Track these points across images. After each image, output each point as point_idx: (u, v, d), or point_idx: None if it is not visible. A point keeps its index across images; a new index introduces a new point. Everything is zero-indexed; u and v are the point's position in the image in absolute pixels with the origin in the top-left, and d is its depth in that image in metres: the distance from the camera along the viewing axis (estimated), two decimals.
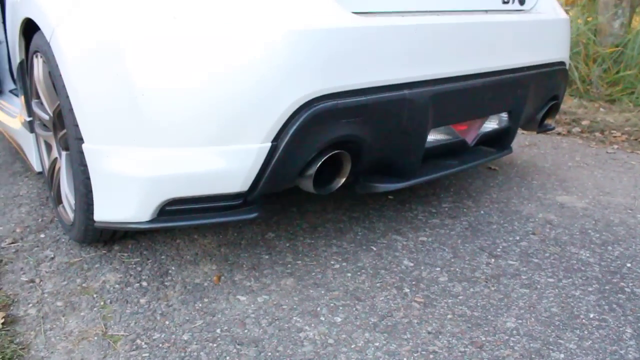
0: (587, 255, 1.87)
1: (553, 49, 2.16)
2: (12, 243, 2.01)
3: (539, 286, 1.68)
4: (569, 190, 2.47)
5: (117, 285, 1.71)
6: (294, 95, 1.42)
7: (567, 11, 5.88)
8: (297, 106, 1.43)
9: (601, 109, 4.18)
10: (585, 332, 1.47)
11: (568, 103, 4.36)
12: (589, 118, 3.85)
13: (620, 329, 1.48)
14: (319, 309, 1.57)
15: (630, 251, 1.90)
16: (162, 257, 1.87)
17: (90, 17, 1.49)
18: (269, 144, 1.45)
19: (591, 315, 1.54)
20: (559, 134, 3.56)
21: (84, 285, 1.71)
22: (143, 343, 1.45)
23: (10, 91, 3.35)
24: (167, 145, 1.45)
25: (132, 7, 1.43)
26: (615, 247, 1.93)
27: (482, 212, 2.21)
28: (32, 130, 2.28)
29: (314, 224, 2.10)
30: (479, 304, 1.59)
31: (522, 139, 3.32)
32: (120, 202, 1.56)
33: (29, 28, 1.94)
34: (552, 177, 2.66)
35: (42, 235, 2.06)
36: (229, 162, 1.46)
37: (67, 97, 1.61)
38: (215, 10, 1.40)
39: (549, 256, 1.86)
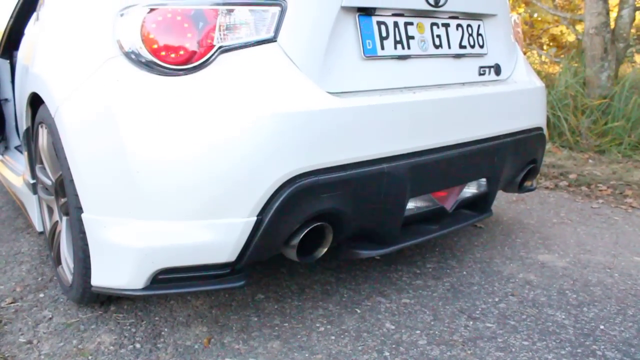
0: (563, 317, 1.95)
1: (529, 116, 2.28)
2: (12, 303, 2.10)
3: (513, 349, 1.76)
4: (551, 249, 2.57)
5: (111, 347, 1.79)
6: (277, 173, 1.53)
7: (556, 63, 6.07)
8: (280, 183, 1.54)
9: (590, 161, 4.30)
10: None
11: (557, 155, 4.48)
12: (576, 171, 3.97)
13: None
14: None
15: (604, 312, 1.98)
16: (156, 318, 1.96)
17: (90, 101, 1.62)
18: (255, 218, 1.56)
19: None
20: (546, 188, 3.67)
21: (79, 346, 1.80)
22: None
23: (16, 147, 3.49)
24: (159, 218, 1.56)
25: (128, 89, 1.56)
26: (590, 308, 2.01)
27: (464, 272, 2.30)
28: (35, 192, 2.40)
29: (303, 286, 2.19)
30: None
31: (510, 195, 3.42)
32: (116, 270, 1.66)
33: (36, 99, 2.08)
34: (535, 234, 2.76)
35: (42, 295, 2.16)
36: (217, 235, 1.57)
37: (69, 168, 1.74)
38: (205, 93, 1.53)
39: (526, 318, 1.94)
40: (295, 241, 1.65)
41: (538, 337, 1.83)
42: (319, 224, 1.66)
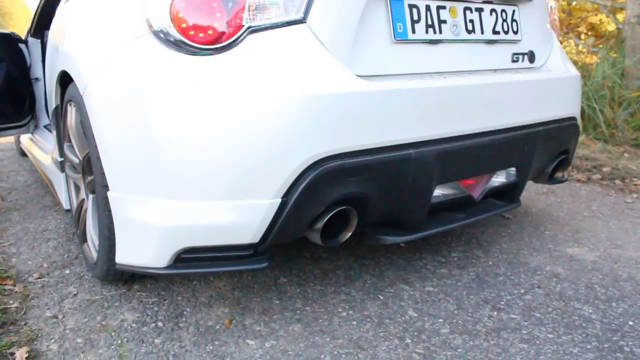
0: (590, 311, 1.94)
1: (563, 105, 2.25)
2: (39, 278, 2.16)
3: (538, 341, 1.75)
4: (581, 242, 2.54)
5: (134, 324, 1.84)
6: (303, 155, 1.54)
7: (593, 53, 5.95)
8: (306, 165, 1.55)
9: (625, 154, 4.22)
10: None
11: (591, 147, 4.41)
12: (610, 164, 3.90)
13: None
14: (322, 356, 1.67)
15: (634, 309, 1.96)
16: (179, 298, 2.00)
17: (118, 79, 1.65)
18: (279, 200, 1.57)
19: None
20: (578, 180, 3.62)
21: (103, 323, 1.85)
22: None
23: (45, 126, 3.57)
24: (185, 197, 1.59)
25: (156, 68, 1.58)
26: (619, 304, 1.99)
27: (490, 262, 2.30)
28: (62, 170, 2.46)
29: (326, 270, 2.21)
30: (477, 358, 1.67)
31: (540, 187, 3.39)
32: (140, 248, 1.70)
33: (65, 77, 2.12)
34: (565, 227, 2.73)
35: (67, 271, 2.22)
36: (242, 216, 1.59)
37: (96, 146, 1.77)
38: (233, 73, 1.54)
39: (552, 311, 1.93)
40: (320, 224, 1.67)
41: (564, 330, 1.82)
42: (343, 207, 1.67)
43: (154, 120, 1.56)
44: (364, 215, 1.76)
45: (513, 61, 2.12)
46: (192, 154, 1.54)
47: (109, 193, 1.74)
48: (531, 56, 2.18)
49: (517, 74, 2.08)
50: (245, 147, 1.53)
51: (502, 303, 1.98)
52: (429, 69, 1.83)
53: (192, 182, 1.57)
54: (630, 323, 1.87)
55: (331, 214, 1.65)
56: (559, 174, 2.43)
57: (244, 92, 1.52)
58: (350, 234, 1.76)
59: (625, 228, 2.75)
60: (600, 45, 5.75)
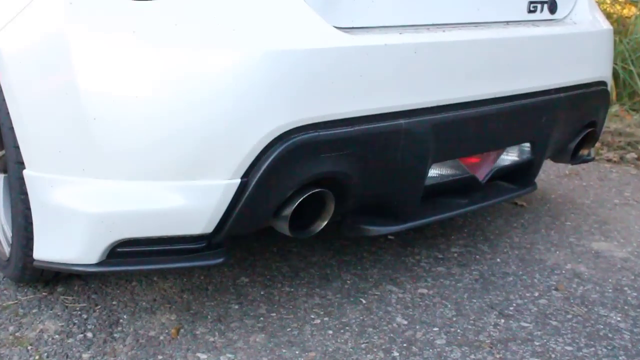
0: (618, 319, 2.01)
1: (590, 66, 2.30)
2: None
3: (553, 355, 1.81)
4: (609, 236, 2.61)
5: (57, 336, 1.85)
6: (268, 126, 1.56)
7: (633, 3, 6.03)
8: (271, 138, 1.57)
9: None
10: None
11: (626, 120, 4.49)
12: None
13: None
14: None
15: None
16: (114, 302, 2.02)
17: (37, 27, 1.65)
18: (238, 180, 1.59)
19: None
20: (608, 160, 3.71)
21: (17, 334, 1.86)
22: None
23: None
24: (120, 177, 1.60)
25: (84, 14, 1.58)
26: None
27: (498, 259, 2.36)
28: None
29: (296, 269, 2.25)
30: None
31: (562, 167, 3.46)
32: (65, 240, 1.71)
33: None
34: (590, 217, 2.80)
35: None
36: (192, 200, 1.61)
37: (8, 113, 1.77)
38: (178, 25, 1.55)
39: (571, 318, 2.00)
40: (288, 211, 1.69)
41: (585, 341, 1.88)
42: (318, 190, 1.70)
43: (81, 80, 1.56)
44: (342, 200, 1.79)
45: (530, 11, 2.15)
46: (129, 123, 1.55)
47: (24, 172, 1.74)
48: (552, 5, 2.22)
49: (534, 27, 2.11)
50: (195, 114, 1.54)
51: (512, 309, 2.04)
52: (426, 20, 1.85)
53: (130, 158, 1.58)
54: None
55: (302, 197, 1.68)
56: (584, 152, 2.49)
57: (193, 45, 1.53)
58: (325, 222, 1.79)
59: None
60: None
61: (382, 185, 1.84)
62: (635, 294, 2.16)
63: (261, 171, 1.59)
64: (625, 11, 6.32)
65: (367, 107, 1.68)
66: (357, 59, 1.64)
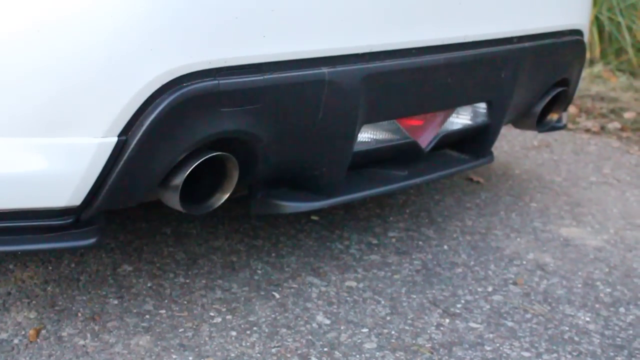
0: (587, 319, 2.03)
1: (562, 9, 2.32)
2: None
3: None
4: (582, 220, 2.65)
5: None
6: (152, 70, 1.51)
7: None
8: (157, 86, 1.52)
9: None
10: None
11: (611, 82, 4.58)
12: (637, 109, 4.06)
13: None
14: None
15: None
16: None
17: None
18: (115, 139, 1.54)
19: None
20: (586, 130, 3.77)
21: None
22: None
23: None
24: None
25: None
26: (630, 310, 2.09)
27: (445, 247, 2.37)
28: None
29: (194, 255, 2.22)
30: None
31: (530, 138, 3.49)
32: None
33: None
34: (561, 198, 2.84)
35: None
36: (53, 163, 1.55)
37: None
38: None
39: (531, 318, 2.01)
40: (179, 179, 1.65)
41: (546, 346, 1.90)
42: (217, 154, 1.66)
43: None
44: (249, 168, 1.76)
45: None
46: None
47: None
48: None
49: None
50: (54, 53, 1.48)
51: (459, 306, 2.05)
52: None
53: None
54: None
55: (197, 162, 1.63)
56: (552, 116, 2.51)
57: None
58: (227, 195, 1.76)
59: None
60: None
61: (299, 150, 1.82)
62: (608, 289, 2.20)
63: (144, 128, 1.53)
64: None
65: (281, 51, 1.65)
66: None
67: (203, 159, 1.65)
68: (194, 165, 1.64)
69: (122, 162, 1.56)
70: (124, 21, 1.47)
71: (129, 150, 1.55)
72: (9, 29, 1.46)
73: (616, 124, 3.86)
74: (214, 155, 1.67)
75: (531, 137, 3.51)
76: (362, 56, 1.79)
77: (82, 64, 1.48)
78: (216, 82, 1.57)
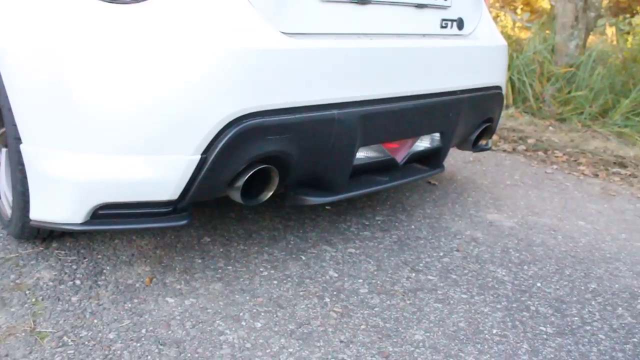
0: (503, 273, 2.02)
1: (489, 73, 2.30)
2: None
3: (451, 301, 1.81)
4: (501, 209, 2.63)
5: (50, 283, 1.78)
6: (223, 111, 1.52)
7: (527, 28, 6.10)
8: (226, 122, 1.53)
9: (550, 128, 4.37)
10: (486, 347, 1.61)
11: (519, 120, 4.55)
12: (535, 136, 4.04)
13: (518, 344, 1.63)
14: (241, 314, 1.68)
15: (543, 271, 2.05)
16: (99, 256, 1.95)
17: (30, 20, 1.57)
18: (199, 156, 1.55)
19: (494, 331, 1.68)
20: (504, 151, 3.74)
21: (17, 281, 1.78)
22: (69, 340, 1.53)
23: None
24: (100, 151, 1.54)
25: (70, 12, 1.51)
26: (530, 267, 2.08)
27: (412, 226, 2.35)
28: None
29: (250, 231, 2.21)
30: (392, 316, 1.71)
31: (468, 155, 3.47)
32: (55, 204, 1.64)
33: None
34: (487, 194, 2.82)
35: None
36: (159, 172, 1.56)
37: (7, 97, 1.69)
38: (152, 23, 1.49)
39: (467, 273, 2.00)
40: (240, 183, 1.65)
41: (477, 291, 1.89)
42: (264, 166, 1.66)
43: (68, 70, 1.50)
44: (285, 175, 1.76)
45: (442, 27, 2.13)
46: (105, 106, 1.49)
47: (21, 146, 1.67)
48: (460, 23, 2.21)
49: (445, 40, 2.10)
50: (161, 101, 1.49)
51: (421, 265, 2.03)
52: (356, 29, 1.82)
53: (107, 134, 1.52)
54: (538, 284, 1.96)
55: (251, 172, 1.64)
56: (482, 142, 2.49)
57: (162, 43, 1.48)
58: (271, 193, 1.76)
59: (543, 197, 2.86)
60: (534, 21, 5.89)
61: (318, 163, 1.81)
62: (517, 254, 2.18)
63: (218, 149, 1.55)
64: (522, 34, 6.39)
65: (306, 99, 1.65)
66: (298, 59, 1.61)
67: (255, 169, 1.65)
68: (249, 174, 1.65)
69: (203, 172, 1.57)
70: (208, 84, 1.49)
71: (207, 164, 1.57)
72: (137, 89, 1.47)
73: (523, 147, 3.83)
74: (262, 167, 1.67)
75: (468, 154, 3.48)
76: (359, 102, 1.79)
77: (180, 109, 1.49)
78: (263, 119, 1.58)
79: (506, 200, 2.75)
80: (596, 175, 3.29)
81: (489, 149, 2.59)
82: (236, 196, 1.69)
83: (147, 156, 1.54)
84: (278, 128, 1.61)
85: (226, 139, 1.54)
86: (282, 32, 1.60)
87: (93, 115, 1.49)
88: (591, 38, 5.58)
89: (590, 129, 4.36)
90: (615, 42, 5.91)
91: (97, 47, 1.48)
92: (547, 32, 5.40)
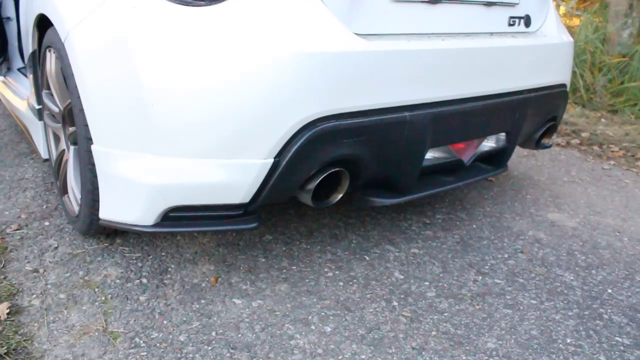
0: (571, 278, 1.95)
1: (555, 71, 2.21)
2: (18, 229, 2.09)
3: (521, 307, 1.76)
4: (561, 208, 2.55)
5: (118, 280, 1.79)
6: (298, 115, 1.48)
7: (577, 16, 5.90)
8: (301, 125, 1.50)
9: (602, 120, 4.24)
10: (561, 357, 1.55)
11: (570, 112, 4.42)
12: (589, 130, 3.91)
13: (595, 356, 1.57)
14: (310, 317, 1.66)
15: (612, 276, 1.98)
16: (163, 253, 1.95)
17: (105, 27, 1.55)
18: (272, 160, 1.52)
19: (568, 341, 1.62)
20: (557, 145, 3.63)
21: (86, 278, 1.79)
22: (141, 342, 1.53)
23: (19, 69, 3.40)
24: (174, 154, 1.52)
25: (145, 17, 1.49)
26: (599, 272, 2.01)
27: (474, 226, 2.29)
28: (40, 118, 2.35)
29: (311, 229, 2.18)
30: (462, 322, 1.67)
31: (521, 150, 3.38)
32: (126, 205, 1.63)
33: (44, 20, 2.00)
34: (546, 192, 2.74)
35: (47, 223, 2.14)
36: (233, 175, 1.53)
37: (79, 97, 1.68)
38: (227, 25, 1.46)
39: (535, 277, 1.94)
40: (312, 186, 1.62)
41: (546, 296, 1.83)
42: (336, 169, 1.63)
43: (142, 73, 1.47)
44: (356, 177, 1.72)
45: (509, 25, 2.06)
46: (181, 109, 1.47)
47: (92, 146, 1.66)
48: (527, 20, 2.12)
49: (512, 38, 2.02)
50: (237, 104, 1.46)
51: (487, 267, 1.98)
52: (427, 29, 1.76)
53: (181, 138, 1.50)
54: (609, 291, 1.89)
55: (324, 175, 1.61)
56: (545, 140, 2.41)
57: (236, 46, 1.44)
58: (341, 195, 1.73)
59: (603, 195, 2.77)
60: (584, 8, 5.70)
61: (388, 165, 1.76)
62: (583, 257, 2.11)
63: (291, 153, 1.51)
64: (569, 22, 6.19)
65: (379, 102, 1.60)
66: (372, 61, 1.55)
67: (328, 172, 1.62)
68: (322, 177, 1.61)
69: (276, 175, 1.54)
70: (283, 87, 1.45)
71: (280, 167, 1.53)
72: (212, 92, 1.44)
73: (577, 141, 3.72)
74: (335, 170, 1.63)
75: (521, 150, 3.39)
76: (430, 104, 1.73)
77: (256, 112, 1.46)
78: (338, 122, 1.54)
79: (565, 199, 2.67)
80: None
81: (550, 146, 2.51)
82: (307, 199, 1.66)
83: (221, 160, 1.51)
84: (351, 131, 1.57)
85: (300, 142, 1.50)
86: (356, 34, 1.55)
87: (167, 118, 1.47)
88: None
89: None
90: None
91: (171, 48, 1.45)
92: (598, 20, 5.22)
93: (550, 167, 3.16)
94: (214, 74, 1.44)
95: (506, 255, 2.07)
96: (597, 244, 2.22)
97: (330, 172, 1.62)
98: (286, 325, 1.62)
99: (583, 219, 2.45)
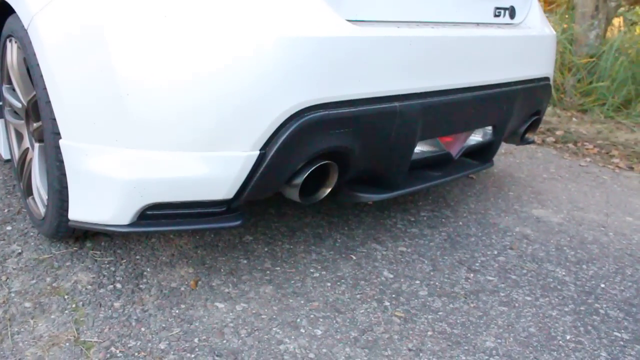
0: (563, 273, 1.90)
1: (540, 64, 2.17)
2: None
3: (517, 304, 1.69)
4: (545, 204, 2.51)
5: (89, 286, 1.66)
6: (284, 104, 1.38)
7: (546, 17, 5.96)
8: (287, 115, 1.40)
9: (573, 119, 4.25)
10: (562, 355, 1.49)
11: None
12: (562, 128, 3.91)
13: (596, 352, 1.51)
14: (298, 320, 1.56)
15: (603, 271, 1.93)
16: (137, 257, 1.82)
17: (74, 11, 1.43)
18: (257, 152, 1.42)
19: (567, 337, 1.56)
20: (533, 142, 3.61)
21: (54, 285, 1.66)
22: (118, 351, 1.41)
23: None
24: (151, 147, 1.40)
25: (118, 5, 1.37)
26: (589, 266, 1.96)
27: (460, 222, 2.22)
28: (1, 115, 2.19)
29: (293, 228, 2.08)
30: (458, 321, 1.59)
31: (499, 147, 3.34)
32: (99, 203, 1.50)
33: (3, 7, 1.85)
34: (527, 188, 2.69)
35: (9, 228, 1.99)
36: (215, 169, 1.42)
37: (45, 88, 1.55)
38: (207, 10, 1.35)
39: (526, 273, 1.88)
40: (299, 180, 1.52)
41: (540, 292, 1.77)
42: (325, 162, 1.53)
43: (116, 60, 1.36)
44: (344, 171, 1.63)
45: (495, 15, 2.00)
46: (159, 99, 1.36)
47: (60, 141, 1.53)
48: (512, 11, 2.07)
49: (498, 29, 1.97)
50: (219, 92, 1.35)
51: (477, 264, 1.91)
52: (416, 17, 1.69)
53: (159, 130, 1.38)
54: (602, 285, 1.84)
55: (312, 168, 1.51)
56: (529, 135, 2.36)
57: (219, 30, 1.34)
58: (329, 190, 1.63)
59: (583, 191, 2.74)
60: (552, 11, 5.75)
61: (377, 158, 1.68)
62: (572, 252, 2.06)
63: (277, 145, 1.41)
64: None
65: (370, 90, 1.51)
66: (363, 48, 1.47)
67: (317, 165, 1.52)
68: (310, 170, 1.51)
69: (262, 168, 1.44)
70: (268, 74, 1.35)
71: (266, 160, 1.43)
72: (190, 79, 1.33)
73: (551, 139, 3.71)
74: (323, 163, 1.54)
75: (500, 147, 3.34)
76: (420, 94, 1.65)
77: (240, 100, 1.35)
78: (327, 112, 1.45)
79: (547, 195, 2.63)
80: (631, 168, 3.17)
81: (534, 141, 2.46)
82: (293, 194, 1.56)
83: (202, 152, 1.40)
84: (340, 122, 1.48)
85: (287, 133, 1.40)
86: (349, 20, 1.47)
87: (144, 108, 1.36)
88: (611, 29, 5.44)
89: (614, 120, 4.24)
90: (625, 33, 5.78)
91: (147, 34, 1.34)
92: (566, 21, 5.26)
93: (529, 164, 3.12)
94: (194, 62, 1.33)
95: (496, 252, 2.01)
96: (585, 239, 2.18)
97: (318, 165, 1.52)
98: (274, 329, 1.52)
99: (567, 215, 2.40)
